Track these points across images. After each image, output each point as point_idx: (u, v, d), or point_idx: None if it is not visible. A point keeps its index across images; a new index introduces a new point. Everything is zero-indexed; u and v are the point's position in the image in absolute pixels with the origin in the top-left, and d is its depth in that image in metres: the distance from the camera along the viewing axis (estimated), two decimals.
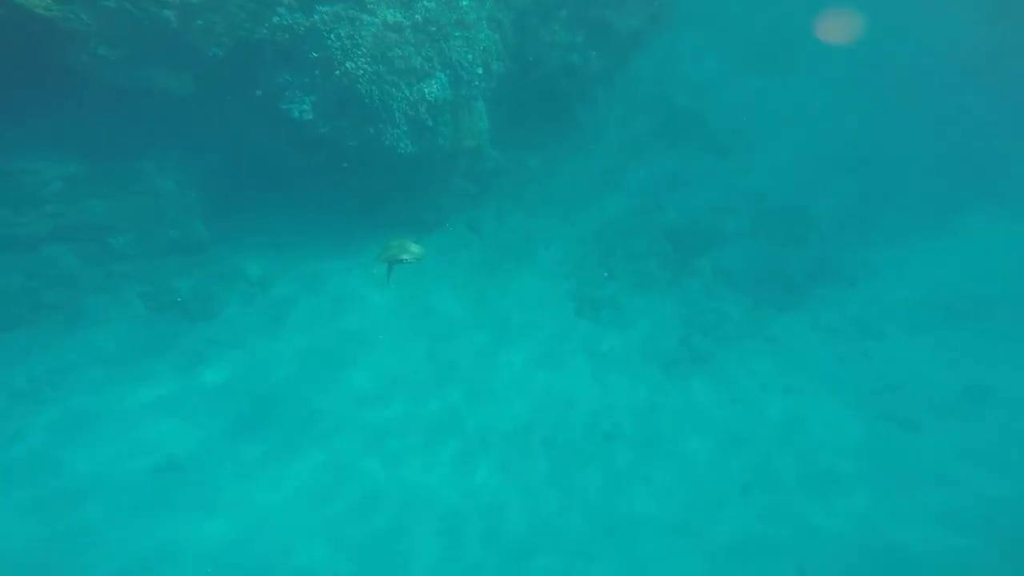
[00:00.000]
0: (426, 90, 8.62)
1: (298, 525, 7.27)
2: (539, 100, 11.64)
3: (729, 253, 12.78)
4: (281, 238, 10.21)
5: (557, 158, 13.22)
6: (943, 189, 15.48)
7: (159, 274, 9.15)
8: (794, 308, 11.96)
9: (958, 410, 10.35)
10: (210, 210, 9.67)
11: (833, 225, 14.11)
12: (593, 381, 9.71)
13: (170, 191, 9.24)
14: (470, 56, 8.91)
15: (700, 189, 14.16)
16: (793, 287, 12.31)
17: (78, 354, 8.21)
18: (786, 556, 7.88)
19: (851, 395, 10.33)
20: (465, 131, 9.51)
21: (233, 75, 8.34)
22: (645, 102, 15.52)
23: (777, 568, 7.75)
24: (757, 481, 8.70)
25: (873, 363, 11.07)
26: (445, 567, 7.21)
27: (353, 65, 8.08)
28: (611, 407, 9.35)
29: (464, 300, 10.38)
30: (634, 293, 11.50)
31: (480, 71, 9.13)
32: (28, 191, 8.11)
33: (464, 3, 8.77)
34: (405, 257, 6.26)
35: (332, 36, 8.03)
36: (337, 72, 8.12)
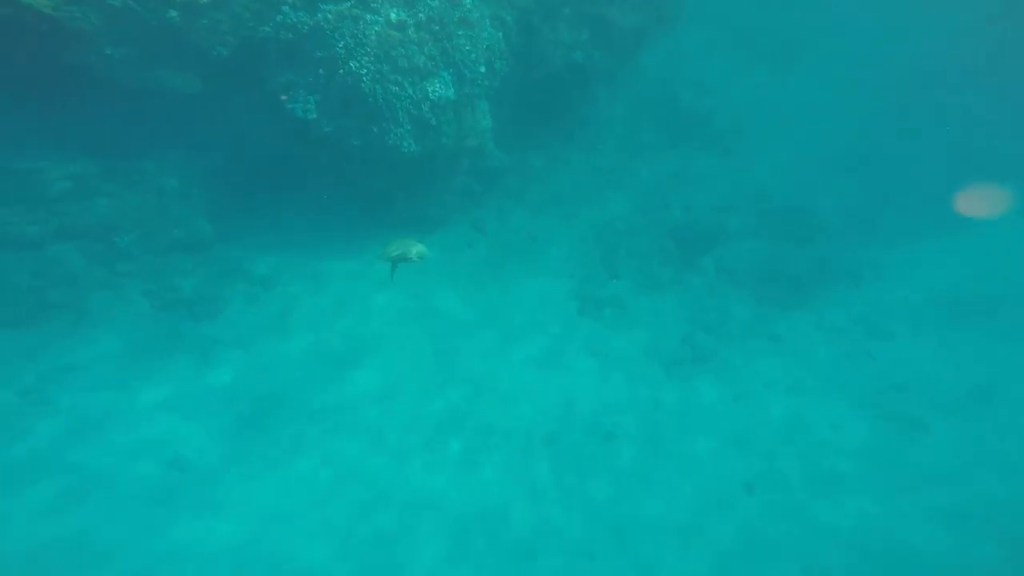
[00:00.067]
0: (429, 89, 8.62)
1: (301, 526, 7.29)
2: (542, 99, 11.64)
3: (733, 252, 12.75)
4: (285, 237, 10.24)
5: (560, 157, 13.21)
6: (949, 188, 15.40)
7: (164, 273, 9.19)
8: (798, 307, 11.93)
9: (963, 410, 10.30)
10: (214, 209, 9.71)
11: (838, 224, 14.07)
12: (596, 380, 9.70)
13: (174, 190, 9.28)
14: (473, 55, 8.91)
15: (704, 187, 14.13)
16: (797, 286, 12.27)
17: (83, 352, 8.25)
18: (790, 555, 7.86)
19: (856, 394, 10.29)
20: (468, 130, 9.51)
21: (238, 74, 8.36)
22: (649, 100, 15.50)
23: (780, 567, 7.73)
24: (761, 480, 8.68)
25: (878, 362, 11.03)
26: (448, 567, 7.21)
27: (357, 64, 8.09)
28: (614, 406, 9.34)
29: (467, 299, 10.39)
30: (637, 292, 11.48)
31: (483, 70, 9.13)
32: (34, 190, 8.16)
33: (467, 1, 8.77)
34: (408, 256, 6.27)
35: (336, 35, 8.05)
36: (341, 71, 8.13)
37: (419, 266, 6.85)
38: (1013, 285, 12.97)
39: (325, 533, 7.26)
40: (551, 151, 13.05)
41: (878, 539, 8.14)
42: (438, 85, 8.70)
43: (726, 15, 18.38)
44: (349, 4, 8.06)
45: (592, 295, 11.08)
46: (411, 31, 8.35)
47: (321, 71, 8.23)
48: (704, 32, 17.58)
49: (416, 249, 6.30)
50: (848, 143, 16.49)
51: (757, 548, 7.90)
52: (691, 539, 7.87)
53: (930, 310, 12.42)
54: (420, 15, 8.42)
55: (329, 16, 8.01)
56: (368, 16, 8.14)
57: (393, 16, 8.24)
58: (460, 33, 8.74)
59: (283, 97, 8.17)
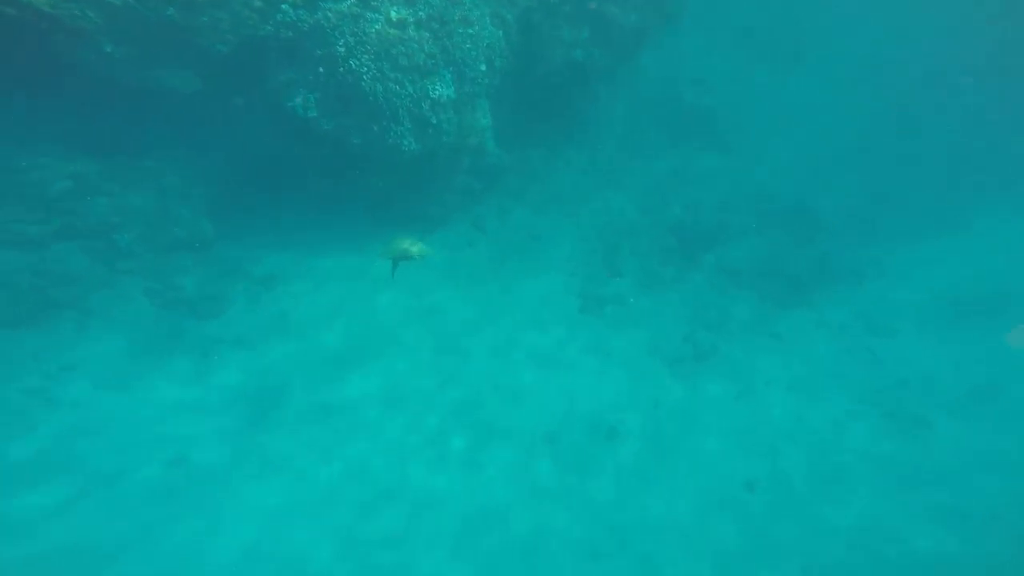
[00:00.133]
0: (430, 87, 8.61)
1: (304, 525, 7.28)
2: (543, 97, 11.62)
3: (735, 250, 12.74)
4: (286, 236, 10.23)
5: (561, 155, 13.20)
6: (952, 187, 15.38)
7: (165, 271, 9.19)
8: (800, 305, 11.91)
9: (965, 408, 10.28)
10: (215, 208, 9.71)
11: (839, 223, 14.05)
12: (597, 378, 9.69)
13: (175, 189, 9.28)
14: (474, 53, 8.89)
15: (705, 186, 14.11)
16: (799, 284, 12.25)
17: (86, 351, 8.25)
18: (791, 554, 7.84)
19: (857, 392, 10.27)
20: (468, 128, 9.50)
21: (238, 73, 8.35)
22: (650, 98, 15.48)
23: (781, 566, 7.71)
24: (762, 479, 8.66)
25: (880, 360, 11.01)
26: (451, 566, 7.20)
27: (357, 62, 8.08)
28: (616, 404, 9.32)
29: (468, 298, 10.37)
30: (639, 290, 11.46)
31: (483, 68, 9.11)
32: (36, 189, 8.17)
33: None
34: (409, 255, 6.26)
35: (336, 33, 8.04)
36: (341, 69, 8.12)
37: (420, 265, 6.85)
38: (1015, 284, 12.92)
39: (328, 533, 7.25)
40: (551, 149, 13.03)
41: (879, 537, 8.12)
42: (438, 83, 8.69)
43: (727, 14, 18.35)
44: (350, 2, 8.05)
45: (593, 293, 11.07)
46: (411, 29, 8.34)
47: (321, 69, 8.22)
48: (705, 31, 17.55)
49: (417, 248, 6.30)
50: (849, 142, 16.47)
51: (758, 546, 7.88)
52: (692, 536, 7.86)
53: (932, 309, 12.39)
54: (420, 13, 8.40)
55: (329, 14, 8.00)
56: (368, 14, 8.13)
57: (393, 14, 8.23)
58: (460, 31, 8.72)
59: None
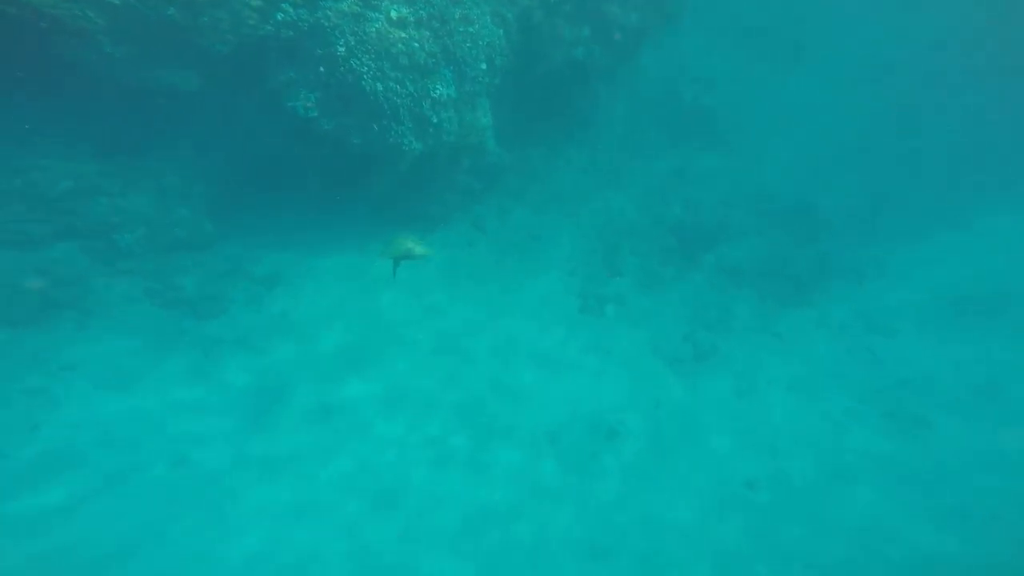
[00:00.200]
0: (430, 86, 8.61)
1: (308, 525, 7.28)
2: (543, 96, 11.62)
3: (735, 249, 12.73)
4: (286, 235, 10.23)
5: (561, 154, 13.19)
6: (952, 186, 15.37)
7: (166, 271, 9.19)
8: (800, 304, 11.91)
9: (967, 407, 10.28)
10: (215, 207, 9.70)
11: (840, 222, 14.05)
12: (598, 378, 9.69)
13: (176, 188, 9.27)
14: (474, 52, 8.88)
15: (706, 185, 14.11)
16: (799, 284, 12.25)
17: (88, 351, 8.24)
18: (793, 553, 7.84)
19: (858, 391, 10.28)
20: (469, 127, 9.49)
21: (238, 72, 8.35)
22: (651, 98, 15.47)
23: (783, 565, 7.71)
24: (763, 478, 8.66)
25: (882, 360, 11.01)
26: (455, 566, 7.20)
27: (357, 62, 8.07)
28: (617, 404, 9.32)
29: (469, 297, 10.37)
30: (639, 289, 11.47)
31: (484, 67, 9.11)
32: (37, 188, 8.16)
33: None
34: (410, 255, 6.26)
35: (336, 32, 8.03)
36: (341, 68, 8.11)
37: (420, 264, 6.84)
38: (1015, 284, 12.92)
39: (332, 533, 7.25)
40: (552, 148, 13.03)
41: (879, 537, 8.13)
42: (439, 82, 8.68)
43: (728, 13, 18.34)
44: (350, 1, 8.04)
45: (594, 293, 11.07)
46: (412, 28, 8.33)
47: (322, 69, 8.21)
48: (706, 30, 17.54)
49: (418, 247, 6.30)
50: (850, 141, 16.46)
51: (759, 545, 7.88)
52: (693, 537, 7.86)
53: (933, 308, 12.39)
54: (421, 12, 8.40)
55: (330, 13, 7.99)
56: (369, 13, 8.12)
57: (394, 13, 8.22)
58: (461, 30, 8.72)
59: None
